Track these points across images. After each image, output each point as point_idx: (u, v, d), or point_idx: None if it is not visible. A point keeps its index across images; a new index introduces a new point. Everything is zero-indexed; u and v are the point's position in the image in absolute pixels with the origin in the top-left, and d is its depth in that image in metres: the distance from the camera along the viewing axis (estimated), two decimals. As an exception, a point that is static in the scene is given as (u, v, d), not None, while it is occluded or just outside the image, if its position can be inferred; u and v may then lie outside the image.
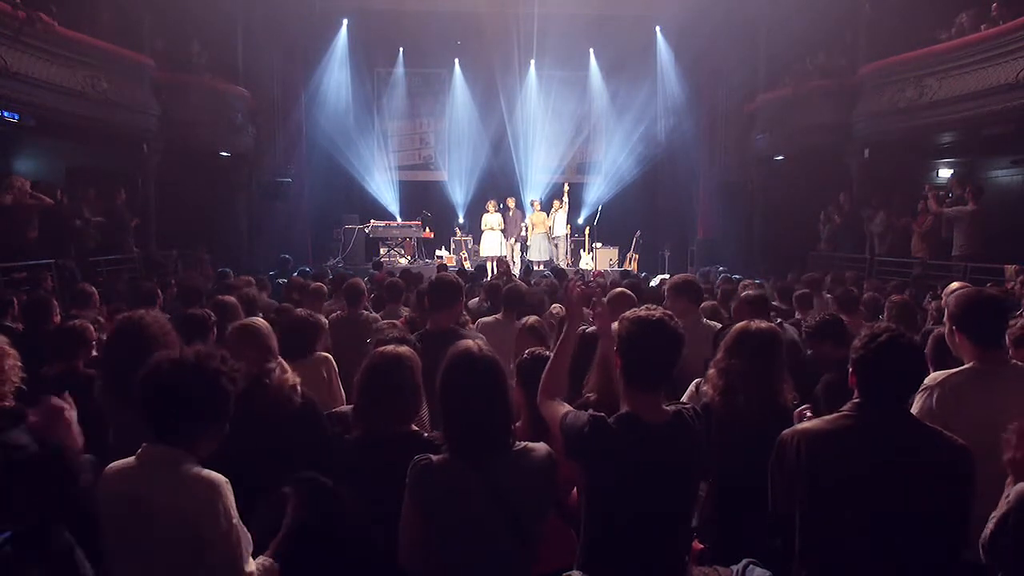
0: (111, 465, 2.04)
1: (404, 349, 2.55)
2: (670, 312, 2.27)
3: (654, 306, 2.32)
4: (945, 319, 2.91)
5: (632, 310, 2.30)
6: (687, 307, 4.29)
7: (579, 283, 2.56)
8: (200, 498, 1.93)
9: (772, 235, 14.39)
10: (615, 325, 2.31)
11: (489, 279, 8.83)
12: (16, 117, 9.56)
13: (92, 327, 3.70)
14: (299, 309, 4.64)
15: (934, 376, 2.70)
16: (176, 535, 1.92)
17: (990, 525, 2.08)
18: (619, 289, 4.43)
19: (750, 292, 4.68)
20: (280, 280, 9.14)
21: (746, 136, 15.32)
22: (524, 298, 5.06)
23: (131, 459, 2.02)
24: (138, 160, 12.37)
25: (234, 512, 1.97)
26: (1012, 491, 2.06)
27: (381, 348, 2.56)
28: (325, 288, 6.34)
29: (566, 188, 15.48)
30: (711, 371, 2.98)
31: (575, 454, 2.17)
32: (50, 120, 10.18)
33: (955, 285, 4.83)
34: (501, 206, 15.52)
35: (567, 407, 2.30)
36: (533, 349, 2.98)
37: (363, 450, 2.41)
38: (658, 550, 2.18)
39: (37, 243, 9.26)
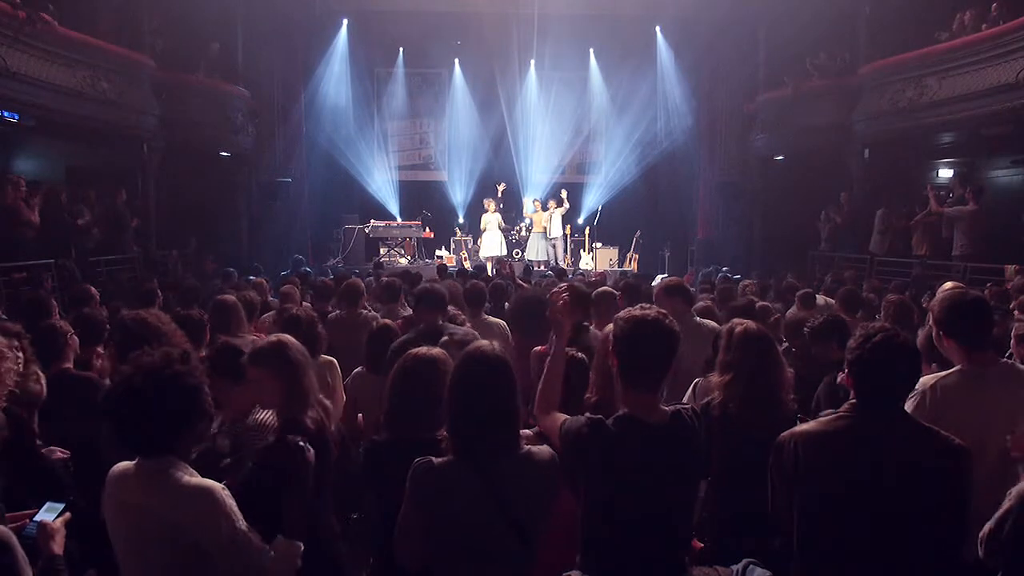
0: (115, 467, 2.03)
1: (437, 352, 2.51)
2: (664, 311, 2.27)
3: (648, 305, 2.32)
4: (931, 323, 2.92)
5: (627, 310, 2.29)
6: (681, 308, 4.31)
7: (562, 293, 2.53)
8: (196, 508, 1.90)
9: (772, 235, 14.39)
10: (610, 326, 2.30)
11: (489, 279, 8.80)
12: (16, 117, 9.55)
13: (67, 324, 3.68)
14: (298, 309, 4.63)
15: (924, 380, 2.70)
16: (174, 545, 1.90)
17: (990, 523, 2.08)
18: (604, 288, 4.54)
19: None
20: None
21: (746, 136, 15.32)
22: (487, 297, 5.41)
23: (131, 465, 2.00)
24: (138, 160, 12.35)
25: (235, 515, 1.94)
26: (1014, 490, 2.05)
27: (414, 351, 2.52)
28: (295, 290, 6.45)
29: (564, 194, 15.46)
30: (714, 372, 2.99)
31: (575, 455, 2.16)
32: (50, 120, 10.18)
33: (948, 285, 4.83)
34: (500, 206, 15.53)
35: (564, 416, 2.30)
36: (568, 350, 2.95)
37: (390, 453, 2.38)
38: (658, 550, 2.18)
39: (37, 243, 9.25)
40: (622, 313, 2.29)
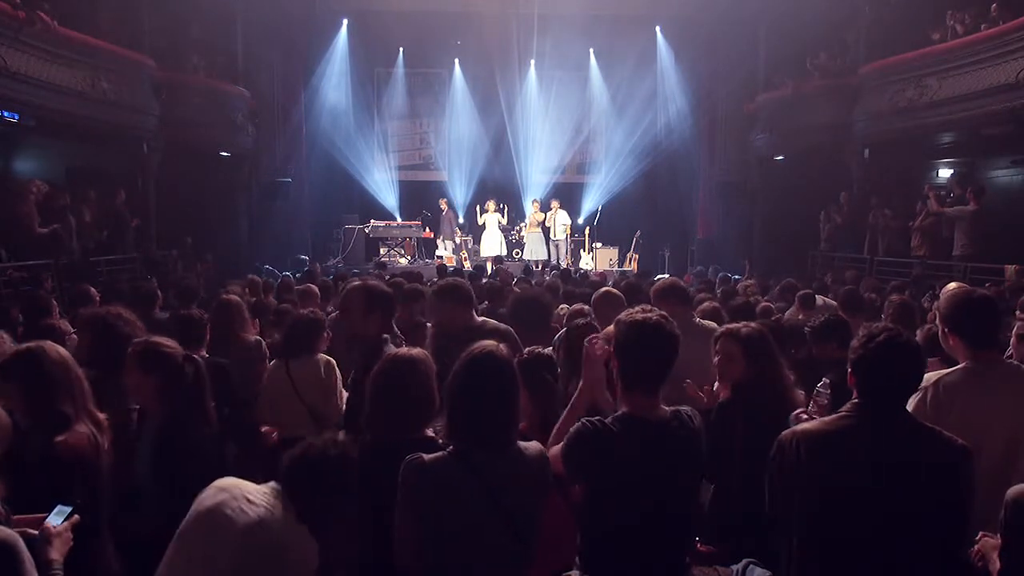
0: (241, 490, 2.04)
1: (417, 352, 2.51)
2: (665, 314, 2.26)
3: (649, 307, 2.31)
4: (938, 320, 2.91)
5: (627, 312, 2.29)
6: (679, 309, 4.29)
7: (601, 342, 2.50)
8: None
9: (772, 235, 14.39)
10: (611, 328, 2.30)
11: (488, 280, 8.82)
12: (16, 117, 9.54)
13: (67, 323, 3.69)
14: (310, 310, 4.63)
15: (927, 377, 2.69)
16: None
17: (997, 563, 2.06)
18: (605, 289, 4.50)
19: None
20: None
21: (746, 136, 15.31)
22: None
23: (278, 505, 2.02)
24: (138, 160, 12.35)
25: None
26: (1009, 492, 2.05)
27: (393, 352, 2.53)
28: (315, 290, 6.32)
29: (556, 206, 15.44)
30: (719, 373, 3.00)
31: (577, 455, 2.15)
32: (50, 120, 10.16)
33: (952, 286, 4.83)
34: (501, 206, 15.54)
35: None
36: (532, 348, 2.98)
37: (376, 456, 2.37)
38: (659, 550, 2.18)
39: (49, 242, 9.25)
40: (622, 316, 2.28)
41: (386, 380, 2.42)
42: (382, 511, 2.16)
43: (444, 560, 2.08)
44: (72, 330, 3.58)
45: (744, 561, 2.38)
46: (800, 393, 3.22)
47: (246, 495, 1.99)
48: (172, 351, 2.77)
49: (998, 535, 2.09)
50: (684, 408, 2.28)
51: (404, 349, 2.55)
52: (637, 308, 2.28)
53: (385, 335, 3.35)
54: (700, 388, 3.32)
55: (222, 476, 2.70)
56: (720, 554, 2.68)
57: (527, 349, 2.93)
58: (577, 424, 2.18)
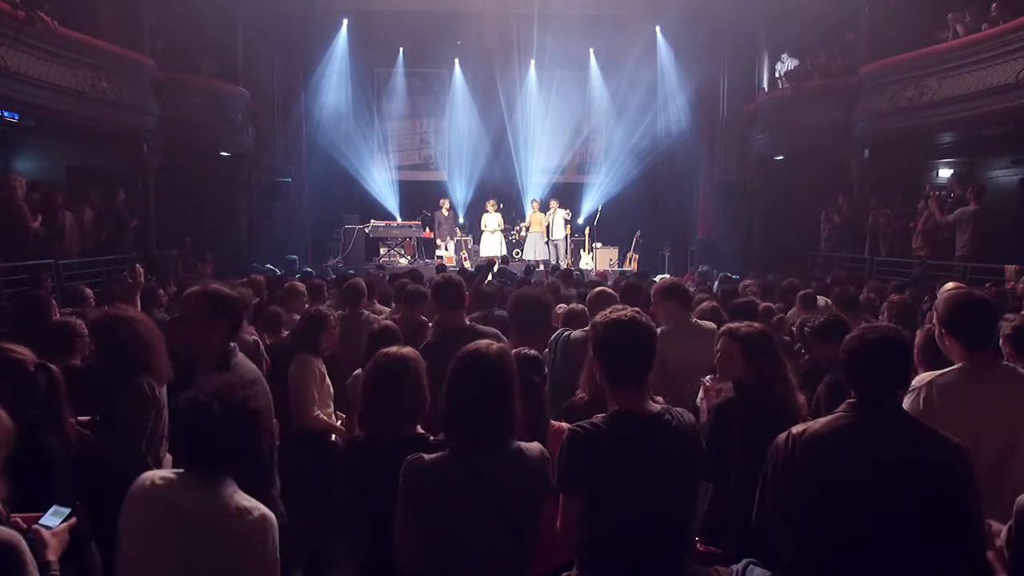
0: (153, 476, 2.03)
1: (408, 350, 2.54)
2: (638, 309, 2.29)
3: (622, 306, 2.35)
4: (934, 321, 2.91)
5: (601, 313, 2.32)
6: (679, 309, 4.30)
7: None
8: (249, 528, 1.96)
9: (772, 235, 14.38)
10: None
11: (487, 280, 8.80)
12: (16, 117, 9.55)
13: (81, 322, 3.68)
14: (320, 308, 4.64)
15: (921, 377, 2.69)
16: (218, 557, 1.93)
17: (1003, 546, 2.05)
18: (599, 289, 4.50)
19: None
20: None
21: (746, 136, 15.30)
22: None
23: (172, 474, 2.03)
24: (138, 160, 12.35)
25: (276, 547, 2.00)
26: (1019, 500, 2.04)
27: (385, 349, 2.55)
28: (302, 287, 6.29)
29: (555, 204, 15.47)
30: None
31: (574, 461, 2.15)
32: (50, 120, 10.17)
33: (950, 285, 4.81)
34: (500, 206, 15.55)
35: None
36: (519, 349, 2.96)
37: (369, 452, 2.40)
38: (658, 550, 2.18)
39: (36, 242, 9.24)
40: (597, 318, 2.32)
41: (379, 377, 2.44)
42: (378, 507, 2.16)
43: (444, 559, 2.09)
44: (85, 332, 3.56)
45: (744, 561, 2.38)
46: (802, 395, 3.21)
47: (161, 472, 2.07)
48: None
49: (1001, 523, 2.08)
50: (677, 408, 2.30)
51: (395, 348, 2.57)
52: (609, 308, 2.33)
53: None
54: (694, 387, 3.34)
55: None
56: (720, 554, 2.68)
57: (514, 351, 2.93)
58: (567, 432, 2.19)
